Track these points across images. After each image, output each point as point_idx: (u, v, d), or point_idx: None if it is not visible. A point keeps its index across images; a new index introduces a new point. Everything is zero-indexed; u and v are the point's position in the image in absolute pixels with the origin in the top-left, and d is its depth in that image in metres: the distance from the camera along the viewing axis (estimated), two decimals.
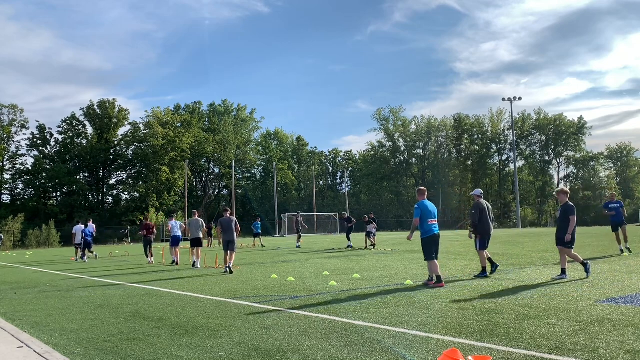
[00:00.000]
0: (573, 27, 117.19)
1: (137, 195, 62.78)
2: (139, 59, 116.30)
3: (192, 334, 5.95)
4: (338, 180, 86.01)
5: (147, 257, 18.50)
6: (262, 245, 28.34)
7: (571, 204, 9.87)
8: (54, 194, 63.50)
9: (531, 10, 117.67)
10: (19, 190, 61.51)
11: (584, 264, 9.68)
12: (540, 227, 64.66)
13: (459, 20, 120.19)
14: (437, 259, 9.40)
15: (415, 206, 9.52)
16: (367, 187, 78.05)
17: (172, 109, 71.82)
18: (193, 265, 15.71)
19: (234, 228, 13.68)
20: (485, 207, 10.66)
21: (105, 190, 66.38)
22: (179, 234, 18.22)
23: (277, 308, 7.51)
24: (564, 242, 9.65)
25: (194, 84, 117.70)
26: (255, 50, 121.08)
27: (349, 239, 24.14)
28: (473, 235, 10.59)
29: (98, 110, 63.36)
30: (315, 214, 61.44)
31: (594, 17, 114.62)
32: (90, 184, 64.06)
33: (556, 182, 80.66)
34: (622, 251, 14.63)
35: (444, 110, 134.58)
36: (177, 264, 17.04)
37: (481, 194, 10.95)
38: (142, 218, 27.24)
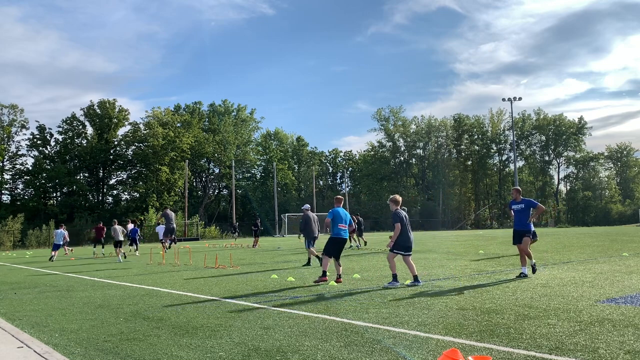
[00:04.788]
0: (572, 29, 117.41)
1: (137, 195, 62.75)
2: (143, 60, 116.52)
3: (192, 334, 5.95)
4: (338, 181, 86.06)
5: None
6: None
7: (398, 211, 9.56)
8: (54, 194, 63.45)
9: (531, 11, 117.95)
10: (19, 190, 61.51)
11: (394, 276, 9.46)
12: (540, 227, 64.63)
13: (459, 22, 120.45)
14: (337, 259, 10.54)
15: (330, 211, 10.77)
16: (367, 187, 78.08)
17: (172, 109, 71.83)
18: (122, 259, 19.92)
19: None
20: (311, 217, 14.43)
21: (105, 190, 66.34)
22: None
23: (277, 308, 7.51)
24: (392, 247, 9.55)
25: (198, 85, 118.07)
26: (258, 51, 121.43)
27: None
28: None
29: (98, 111, 63.31)
30: (315, 214, 61.34)
31: (593, 18, 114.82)
32: (90, 184, 64.03)
33: (556, 182, 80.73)
34: (527, 273, 10.11)
35: (444, 110, 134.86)
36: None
37: (308, 208, 14.96)
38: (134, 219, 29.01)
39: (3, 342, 5.99)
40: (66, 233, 25.42)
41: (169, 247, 24.19)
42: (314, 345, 5.20)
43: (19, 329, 6.74)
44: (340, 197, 11.30)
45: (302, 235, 14.85)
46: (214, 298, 8.82)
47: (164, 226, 25.10)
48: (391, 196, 9.91)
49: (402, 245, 9.49)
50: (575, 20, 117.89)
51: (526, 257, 10.24)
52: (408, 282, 9.64)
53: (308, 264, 14.62)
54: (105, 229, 26.05)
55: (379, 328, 5.90)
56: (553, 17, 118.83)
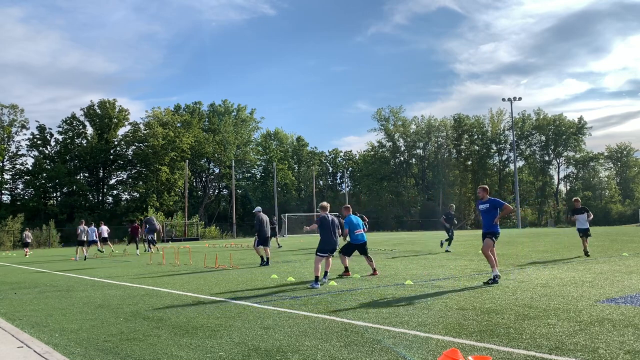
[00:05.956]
0: (572, 29, 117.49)
1: (137, 195, 62.75)
2: (143, 60, 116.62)
3: (192, 334, 5.95)
4: (338, 180, 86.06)
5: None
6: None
7: (324, 215, 10.42)
8: (54, 194, 63.47)
9: (530, 12, 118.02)
10: (19, 190, 61.57)
11: (316, 278, 9.91)
12: (540, 227, 64.63)
13: (458, 22, 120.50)
14: (348, 256, 11.80)
15: (345, 221, 11.67)
16: (367, 187, 78.05)
17: (172, 109, 71.81)
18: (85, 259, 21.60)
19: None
20: (264, 219, 15.73)
21: (105, 190, 66.36)
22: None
23: (277, 308, 7.51)
24: (317, 251, 10.40)
25: (198, 85, 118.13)
26: (258, 51, 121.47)
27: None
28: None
29: (98, 111, 63.34)
30: (315, 214, 61.40)
31: (593, 18, 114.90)
32: (90, 184, 64.04)
33: (556, 182, 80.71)
34: (497, 277, 9.22)
35: (444, 110, 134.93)
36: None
37: (260, 210, 15.96)
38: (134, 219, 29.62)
39: (3, 342, 5.99)
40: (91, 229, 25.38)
41: (149, 248, 24.95)
42: (314, 345, 5.20)
43: (19, 329, 6.74)
44: (348, 205, 12.39)
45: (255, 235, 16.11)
46: (214, 298, 8.82)
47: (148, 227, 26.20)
48: (320, 203, 10.90)
49: (326, 249, 10.26)
50: (575, 20, 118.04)
51: (493, 261, 9.33)
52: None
53: (266, 263, 15.32)
54: (140, 229, 26.29)
55: (379, 328, 5.90)
56: (553, 17, 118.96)
